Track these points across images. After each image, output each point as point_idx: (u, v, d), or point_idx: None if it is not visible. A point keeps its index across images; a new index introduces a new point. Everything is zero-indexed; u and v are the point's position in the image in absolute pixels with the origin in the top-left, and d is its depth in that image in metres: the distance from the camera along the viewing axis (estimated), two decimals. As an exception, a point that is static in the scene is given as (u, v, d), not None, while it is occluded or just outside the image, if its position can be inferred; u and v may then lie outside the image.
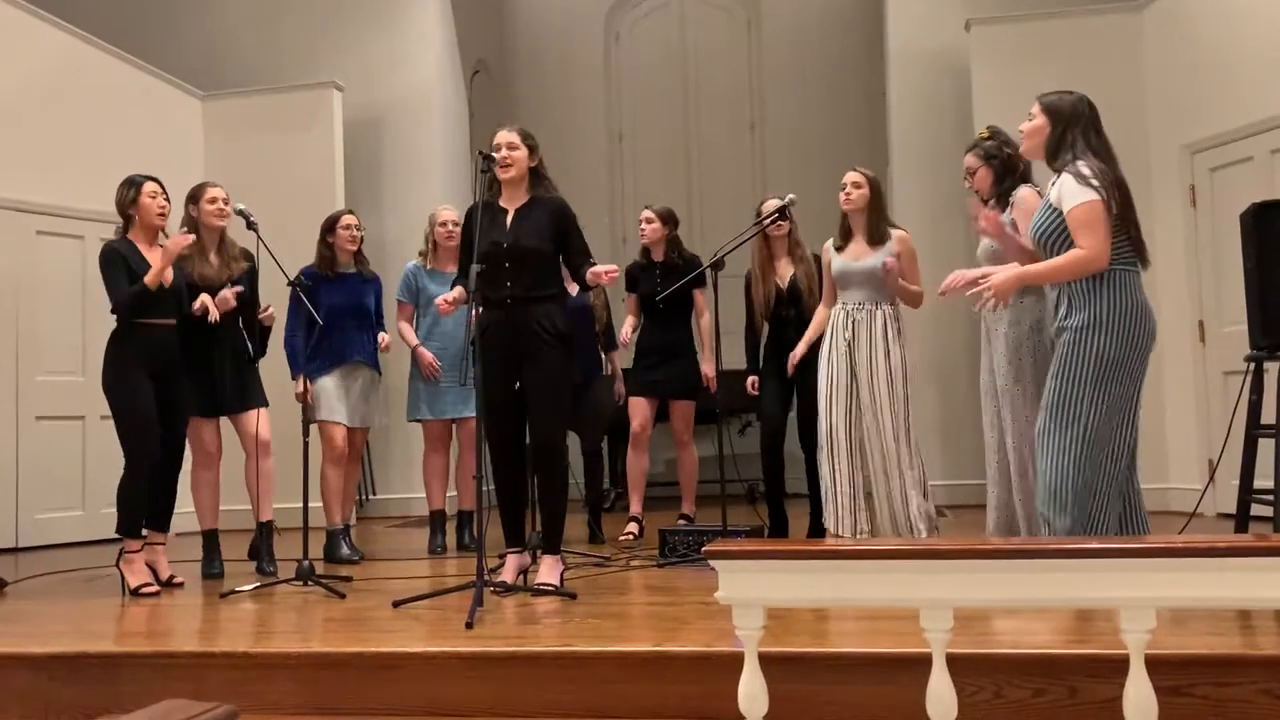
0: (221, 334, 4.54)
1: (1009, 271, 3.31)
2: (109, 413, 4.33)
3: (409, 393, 5.31)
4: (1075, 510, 3.10)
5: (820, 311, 4.81)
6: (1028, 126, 3.32)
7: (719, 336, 4.79)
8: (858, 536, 4.45)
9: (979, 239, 4.20)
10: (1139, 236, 3.19)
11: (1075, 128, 3.21)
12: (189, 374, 4.51)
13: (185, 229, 4.61)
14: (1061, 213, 3.13)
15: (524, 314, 3.84)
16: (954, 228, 6.81)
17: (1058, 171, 3.21)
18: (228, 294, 4.46)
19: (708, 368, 5.25)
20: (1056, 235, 3.16)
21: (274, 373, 4.91)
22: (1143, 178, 6.09)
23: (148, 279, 4.22)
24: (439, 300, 4.00)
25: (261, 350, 4.74)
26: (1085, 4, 6.62)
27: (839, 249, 4.65)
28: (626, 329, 5.45)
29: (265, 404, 4.71)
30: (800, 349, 4.80)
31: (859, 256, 4.57)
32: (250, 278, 4.68)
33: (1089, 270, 3.09)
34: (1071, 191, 3.10)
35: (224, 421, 4.70)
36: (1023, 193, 3.88)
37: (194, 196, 4.64)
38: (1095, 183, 3.08)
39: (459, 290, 3.91)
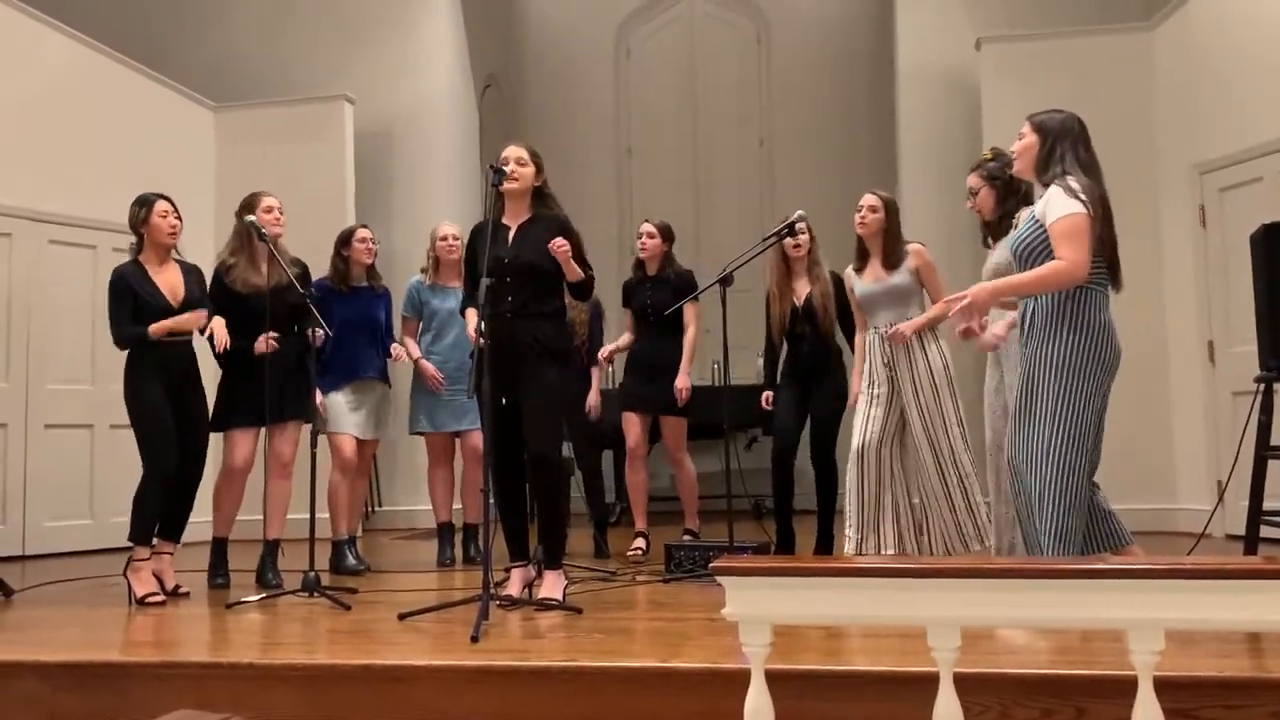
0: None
1: (986, 284, 3.29)
2: (118, 422, 4.36)
3: (411, 406, 5.33)
4: (1057, 519, 3.06)
5: (858, 338, 4.79)
6: (1019, 145, 3.32)
7: (728, 352, 4.79)
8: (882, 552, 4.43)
9: (986, 255, 4.20)
10: (1115, 257, 3.17)
11: (1064, 142, 3.21)
12: (237, 386, 4.54)
13: (235, 241, 4.64)
14: (1044, 226, 3.12)
15: (520, 328, 3.85)
16: (963, 245, 6.79)
17: (1045, 185, 3.20)
18: (267, 341, 4.42)
19: (682, 380, 5.25)
20: (1038, 248, 3.14)
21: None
22: (1152, 197, 6.10)
23: (152, 329, 4.23)
24: (472, 332, 3.97)
25: (327, 333, 4.59)
26: (1095, 23, 6.64)
27: (857, 271, 4.65)
28: (609, 348, 5.45)
29: (307, 418, 4.60)
30: (857, 385, 4.71)
31: (878, 278, 4.56)
32: (303, 282, 4.65)
33: (1066, 282, 3.05)
34: (1058, 204, 3.08)
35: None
36: (1026, 214, 3.86)
37: (248, 206, 4.65)
38: (1082, 197, 3.07)
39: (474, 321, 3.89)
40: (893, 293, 4.51)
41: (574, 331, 5.51)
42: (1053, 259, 3.07)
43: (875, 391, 4.51)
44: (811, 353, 4.95)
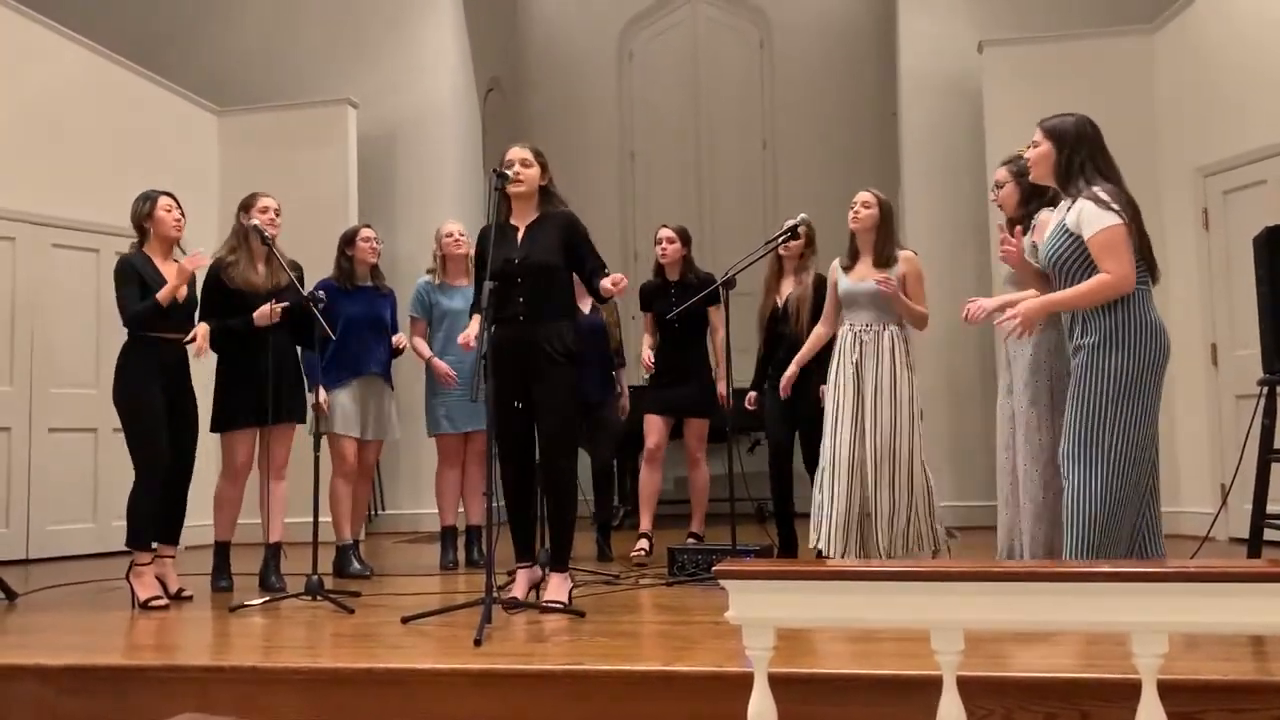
0: (269, 344, 4.51)
1: (1035, 299, 3.30)
2: (121, 425, 4.35)
3: (428, 408, 5.33)
4: (1100, 534, 3.09)
5: (816, 330, 4.80)
6: (1034, 154, 3.33)
7: (730, 354, 4.80)
8: (847, 557, 4.42)
9: (1000, 264, 4.18)
10: (1150, 252, 3.19)
11: (1082, 151, 3.21)
12: (235, 385, 4.55)
13: (233, 239, 4.66)
14: (1078, 238, 3.13)
15: (534, 332, 3.84)
16: (965, 248, 6.81)
17: (1072, 198, 3.21)
18: (266, 310, 4.47)
19: (723, 386, 5.27)
20: (1073, 261, 3.15)
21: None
22: (1154, 200, 6.09)
23: (160, 295, 4.24)
24: (461, 339, 4.04)
25: (325, 339, 4.60)
26: (1097, 26, 6.63)
27: (846, 269, 4.65)
28: (647, 353, 5.43)
29: (302, 420, 4.73)
30: (791, 370, 4.81)
31: (865, 277, 4.55)
32: (296, 286, 4.68)
33: (1115, 295, 3.08)
34: (1093, 217, 3.09)
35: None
36: (1044, 216, 3.84)
37: (245, 205, 4.68)
38: (1115, 206, 3.08)
39: (475, 327, 3.90)
40: (875, 294, 4.50)
41: (610, 333, 5.56)
42: (1089, 272, 3.10)
43: (840, 392, 4.49)
44: (786, 356, 4.98)
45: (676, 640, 3.21)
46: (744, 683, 2.01)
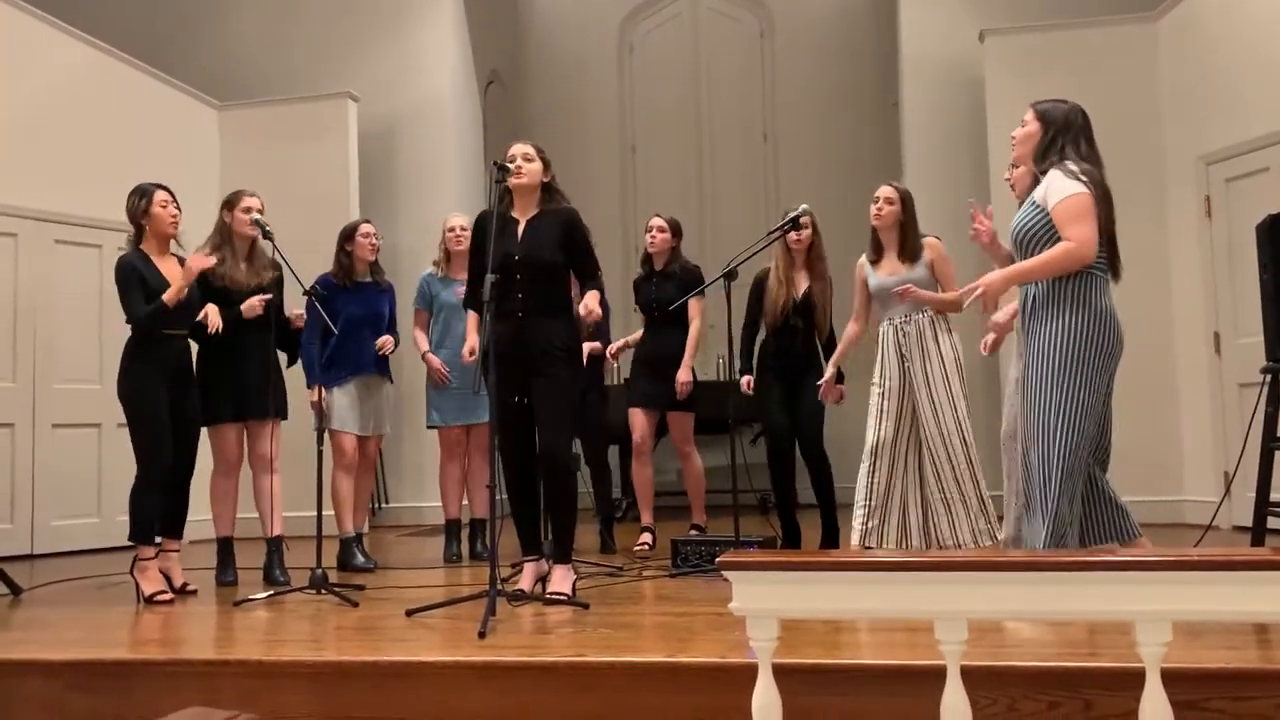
0: (252, 341, 4.55)
1: (996, 273, 3.29)
2: (124, 420, 4.35)
3: (426, 400, 5.34)
4: (1053, 502, 3.06)
5: (849, 330, 4.75)
6: (1021, 132, 3.31)
7: (732, 346, 4.78)
8: (887, 544, 4.42)
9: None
10: (1114, 248, 3.17)
11: (1066, 135, 3.20)
12: (218, 380, 4.54)
13: (217, 237, 4.65)
14: (1045, 210, 3.10)
15: (533, 328, 3.84)
16: (966, 238, 6.79)
17: (1044, 173, 3.19)
18: (256, 302, 4.48)
19: (683, 374, 5.24)
20: (1039, 233, 3.12)
21: (289, 380, 4.93)
22: (1158, 188, 6.08)
23: (166, 297, 4.22)
24: (465, 351, 4.32)
25: (293, 358, 4.76)
26: (1099, 15, 6.61)
27: (873, 263, 4.62)
28: (617, 342, 5.46)
29: (285, 416, 4.75)
30: (830, 371, 4.74)
31: (894, 271, 4.53)
32: (277, 287, 4.70)
33: (1078, 263, 3.03)
34: (1059, 186, 3.07)
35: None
36: None
37: (229, 203, 4.68)
38: (1083, 178, 3.06)
39: (473, 336, 4.21)
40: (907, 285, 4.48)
41: (584, 325, 5.52)
42: (1054, 243, 3.06)
43: (887, 386, 4.48)
44: (802, 347, 4.96)
45: (680, 632, 3.21)
46: (748, 674, 2.01)
